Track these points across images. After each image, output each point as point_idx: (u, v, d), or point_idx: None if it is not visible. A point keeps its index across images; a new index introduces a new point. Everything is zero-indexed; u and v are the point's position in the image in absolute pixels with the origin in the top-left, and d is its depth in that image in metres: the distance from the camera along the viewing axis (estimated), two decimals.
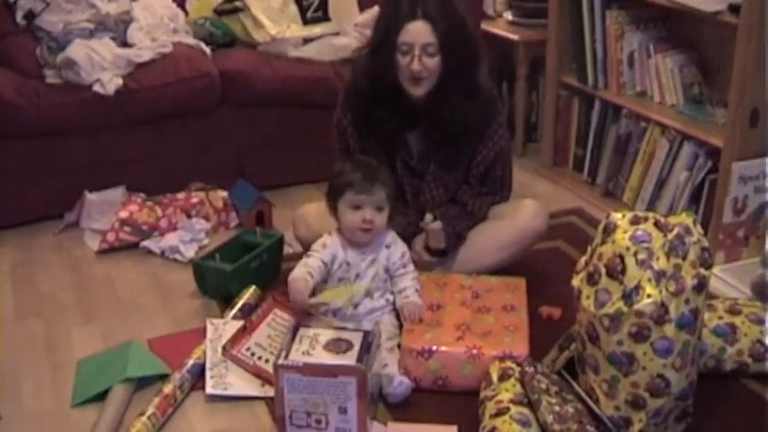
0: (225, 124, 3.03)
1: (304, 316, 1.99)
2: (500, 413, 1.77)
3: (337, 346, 1.88)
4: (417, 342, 2.01)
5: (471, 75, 2.21)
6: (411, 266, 2.18)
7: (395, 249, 2.15)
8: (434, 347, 1.99)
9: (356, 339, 1.90)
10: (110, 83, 2.80)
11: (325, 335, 1.91)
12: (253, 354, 2.09)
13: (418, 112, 2.25)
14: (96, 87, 2.80)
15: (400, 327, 2.09)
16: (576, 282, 1.87)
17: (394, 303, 2.15)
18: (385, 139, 2.27)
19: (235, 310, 2.29)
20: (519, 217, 2.35)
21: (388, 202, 2.07)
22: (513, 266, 2.36)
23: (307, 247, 2.18)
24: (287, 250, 2.62)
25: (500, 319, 2.10)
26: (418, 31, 2.11)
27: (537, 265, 2.46)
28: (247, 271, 2.41)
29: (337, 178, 2.09)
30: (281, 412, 1.82)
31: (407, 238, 2.26)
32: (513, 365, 1.91)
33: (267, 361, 2.07)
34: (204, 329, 2.19)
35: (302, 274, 2.03)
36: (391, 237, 2.16)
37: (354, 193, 2.05)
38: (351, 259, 2.10)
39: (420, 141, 2.32)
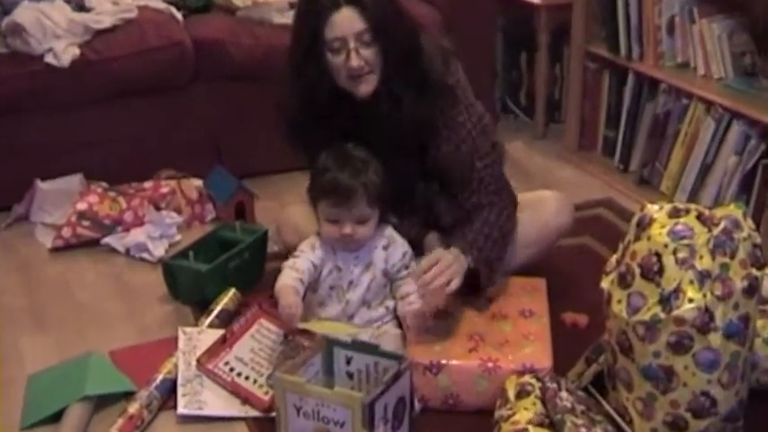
0: (199, 102, 3.03)
1: (293, 330, 2.00)
2: None
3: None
4: (424, 355, 2.00)
5: (416, 63, 2.11)
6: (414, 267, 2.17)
7: (394, 250, 2.15)
8: (444, 361, 1.99)
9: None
10: (64, 53, 2.80)
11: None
12: (232, 369, 2.09)
13: (368, 119, 2.15)
14: (48, 58, 2.80)
15: (404, 338, 2.10)
16: (605, 284, 1.87)
17: (395, 311, 2.15)
18: None
19: (211, 318, 2.29)
20: (540, 211, 2.35)
21: (375, 208, 2.06)
22: (532, 266, 2.36)
23: (293, 251, 2.18)
24: (271, 248, 2.62)
25: (518, 327, 2.10)
26: (347, 20, 2.01)
27: (560, 264, 2.46)
28: (226, 272, 2.42)
29: (316, 176, 2.09)
30: None
31: (412, 242, 2.23)
32: (533, 381, 1.90)
33: (248, 378, 2.07)
34: (175, 340, 2.19)
35: (292, 281, 2.02)
36: (388, 235, 2.15)
37: (330, 206, 2.04)
38: (342, 264, 2.10)
39: (383, 150, 2.19)
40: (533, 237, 2.33)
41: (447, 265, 2.01)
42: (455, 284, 2.02)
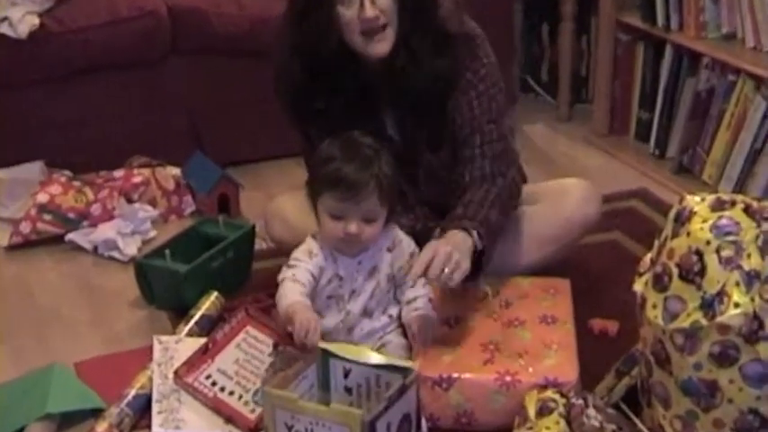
0: (176, 79, 3.04)
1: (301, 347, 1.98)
2: None
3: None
4: (433, 368, 2.00)
5: (434, 11, 2.17)
6: None
7: (399, 251, 2.15)
8: (455, 374, 1.99)
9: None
10: (21, 22, 2.80)
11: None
12: (214, 383, 2.09)
13: (381, 82, 2.21)
14: (4, 28, 2.80)
15: (410, 348, 2.11)
16: (638, 286, 1.87)
17: (399, 318, 2.16)
18: (350, 125, 2.20)
19: (191, 325, 2.29)
20: (563, 202, 2.35)
21: (384, 205, 2.06)
22: (554, 264, 2.36)
23: (287, 251, 2.18)
24: (259, 245, 2.62)
25: (539, 335, 2.10)
26: None
27: (586, 263, 2.46)
28: (207, 272, 2.42)
29: (319, 166, 2.08)
30: None
31: (418, 239, 2.24)
32: (557, 396, 1.91)
33: (232, 393, 2.07)
34: (150, 350, 2.19)
35: (300, 296, 2.01)
36: (394, 236, 2.15)
37: (335, 200, 2.04)
38: (343, 271, 2.10)
39: (396, 117, 2.30)
40: (555, 231, 2.34)
41: (446, 255, 2.00)
42: (464, 268, 2.03)
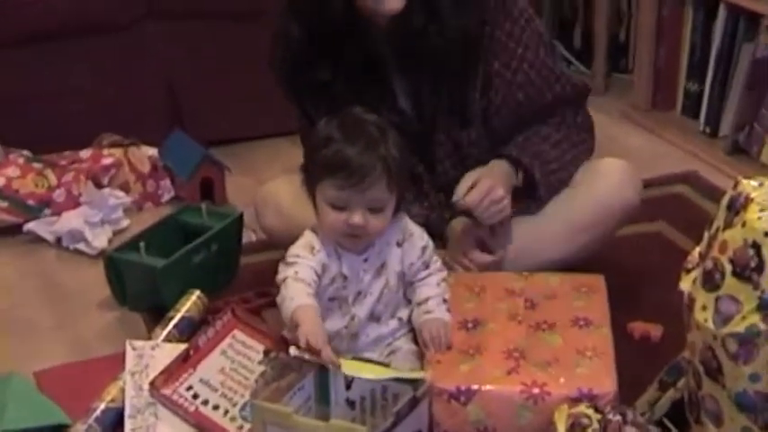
0: (152, 46, 3.06)
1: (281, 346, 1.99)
2: None
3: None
4: (448, 379, 2.00)
5: None
6: (436, 265, 2.18)
7: (410, 246, 2.15)
8: (475, 386, 1.98)
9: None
10: None
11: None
12: (196, 396, 2.09)
13: (391, 46, 2.23)
14: None
15: (422, 356, 2.10)
16: (685, 284, 1.86)
17: (410, 320, 2.16)
18: (356, 98, 2.21)
19: (169, 328, 2.30)
20: (598, 186, 2.36)
21: (393, 192, 2.05)
22: (588, 258, 2.36)
23: (280, 244, 2.18)
24: (248, 237, 2.63)
25: (570, 341, 2.09)
26: None
27: (625, 257, 2.46)
28: (188, 268, 2.43)
29: (317, 149, 2.06)
30: None
31: (432, 231, 2.27)
32: (591, 412, 1.90)
33: (217, 408, 2.07)
34: (122, 357, 2.19)
35: (308, 297, 1.99)
36: (404, 228, 2.15)
37: (336, 188, 2.02)
38: (348, 270, 2.09)
39: (409, 86, 2.31)
40: (588, 220, 2.35)
41: (488, 188, 2.16)
42: (507, 211, 2.19)
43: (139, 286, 2.44)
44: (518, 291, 2.24)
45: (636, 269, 2.46)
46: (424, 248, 2.15)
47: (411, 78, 2.27)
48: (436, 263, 2.17)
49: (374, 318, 2.13)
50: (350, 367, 1.93)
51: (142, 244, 2.46)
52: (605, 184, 2.36)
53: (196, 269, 2.44)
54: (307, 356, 1.88)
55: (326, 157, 2.01)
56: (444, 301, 2.14)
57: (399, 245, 2.13)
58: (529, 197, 2.32)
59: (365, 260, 2.09)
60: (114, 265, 2.47)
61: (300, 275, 2.01)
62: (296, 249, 2.06)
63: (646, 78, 3.28)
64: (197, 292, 2.37)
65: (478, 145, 2.34)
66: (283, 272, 2.02)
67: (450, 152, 2.36)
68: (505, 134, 2.34)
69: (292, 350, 1.88)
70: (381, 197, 2.03)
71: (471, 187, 2.21)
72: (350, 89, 2.21)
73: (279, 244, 2.20)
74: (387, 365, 1.96)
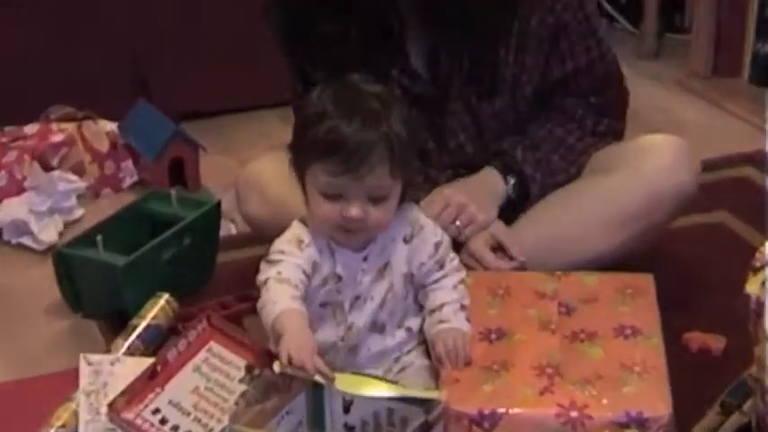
0: (111, 2, 3.06)
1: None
2: None
3: None
4: (469, 400, 1.99)
5: None
6: (452, 264, 2.17)
7: (421, 242, 2.13)
8: (501, 410, 1.97)
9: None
10: None
11: None
12: (164, 420, 2.09)
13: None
14: None
15: (436, 373, 2.09)
16: (752, 287, 1.86)
17: (421, 330, 2.16)
18: (364, 57, 2.25)
19: (132, 339, 2.31)
20: (647, 168, 2.37)
21: (398, 178, 2.04)
22: (634, 255, 2.37)
23: (266, 237, 2.18)
24: (227, 229, 2.65)
25: (614, 354, 2.09)
26: None
27: (679, 254, 2.48)
28: (155, 267, 2.44)
29: (307, 126, 2.05)
30: None
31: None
32: None
33: None
34: (75, 374, 2.19)
35: (293, 301, 1.98)
36: (413, 221, 2.14)
37: (329, 173, 2.01)
38: (343, 269, 2.08)
39: (426, 43, 2.34)
40: (634, 209, 2.36)
41: (458, 207, 2.27)
42: (480, 221, 2.31)
43: (96, 288, 2.44)
44: (550, 294, 2.24)
45: (692, 268, 2.47)
46: (438, 245, 2.14)
47: (429, 34, 2.29)
48: (452, 261, 2.17)
49: (376, 328, 2.12)
50: (346, 383, 1.92)
51: (99, 238, 2.46)
52: (655, 165, 2.36)
53: (164, 268, 2.45)
54: (290, 371, 1.86)
55: (317, 137, 2.00)
56: (463, 307, 2.13)
57: (407, 241, 2.12)
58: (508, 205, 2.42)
59: (364, 258, 2.08)
60: (66, 262, 2.47)
61: (285, 275, 1.99)
62: (280, 244, 2.05)
63: (705, 39, 3.28)
64: (165, 296, 2.38)
65: (501, 118, 2.38)
66: (265, 272, 2.01)
67: (466, 124, 2.39)
68: (526, 109, 2.39)
69: (276, 366, 1.87)
70: (384, 184, 2.01)
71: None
72: (357, 45, 2.23)
73: (264, 237, 2.20)
74: (393, 382, 1.94)
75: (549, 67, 2.39)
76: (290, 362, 1.85)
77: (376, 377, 2.01)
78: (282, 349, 1.87)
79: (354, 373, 2.00)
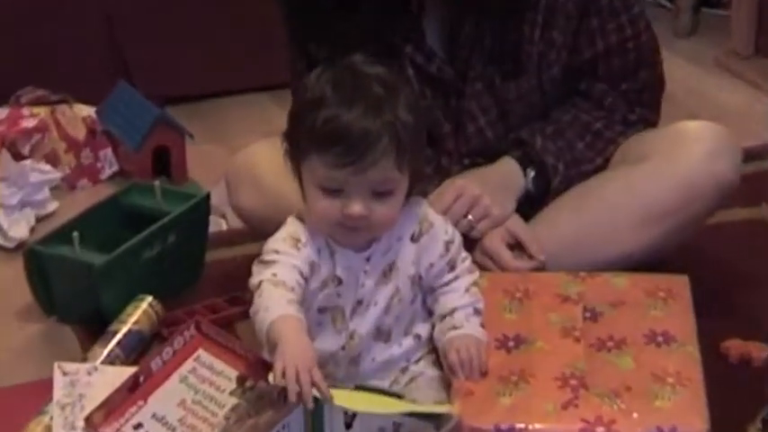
0: None
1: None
2: None
3: None
4: (485, 415, 1.99)
5: None
6: (464, 265, 2.18)
7: (430, 241, 2.13)
8: (520, 425, 1.97)
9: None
10: None
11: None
12: None
13: None
14: None
15: (447, 384, 2.09)
16: None
17: (431, 338, 2.16)
18: (374, 31, 2.27)
19: (111, 346, 2.31)
20: (681, 157, 2.37)
21: (405, 171, 2.04)
22: (666, 254, 2.38)
23: (260, 233, 2.18)
24: (217, 224, 2.66)
25: (645, 363, 2.09)
26: None
27: (717, 253, 2.49)
28: (137, 267, 2.44)
29: (303, 113, 2.05)
30: None
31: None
32: None
33: None
34: (48, 384, 2.19)
35: (290, 307, 1.97)
36: (421, 217, 2.14)
37: (328, 166, 2.01)
38: (344, 271, 2.08)
39: (444, 17, 2.34)
40: (668, 201, 2.36)
41: (472, 199, 2.29)
42: (495, 216, 2.34)
43: (71, 290, 2.44)
44: (574, 297, 2.23)
45: (732, 268, 2.47)
46: (449, 244, 2.14)
47: (448, 9, 2.31)
48: (464, 262, 2.17)
49: (381, 335, 2.12)
50: (347, 400, 1.91)
51: (75, 234, 2.47)
52: (691, 154, 2.36)
53: (147, 267, 2.45)
54: (283, 384, 1.85)
55: (315, 126, 1.99)
56: (476, 312, 2.13)
57: (414, 240, 2.12)
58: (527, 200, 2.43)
59: (367, 259, 2.08)
60: (38, 261, 2.47)
61: (280, 278, 1.99)
62: (275, 243, 2.05)
63: (746, 15, 3.28)
64: (148, 299, 2.38)
65: (527, 100, 2.39)
66: (258, 274, 2.01)
67: (487, 107, 2.39)
68: (553, 91, 2.41)
69: (271, 377, 1.87)
70: (389, 178, 2.01)
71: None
72: (369, 19, 2.24)
73: (258, 233, 2.19)
74: (399, 396, 1.94)
75: (577, 47, 2.40)
76: (286, 372, 1.84)
77: (381, 391, 2.01)
78: (277, 361, 1.86)
79: (358, 387, 2.00)
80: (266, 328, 1.92)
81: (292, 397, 1.84)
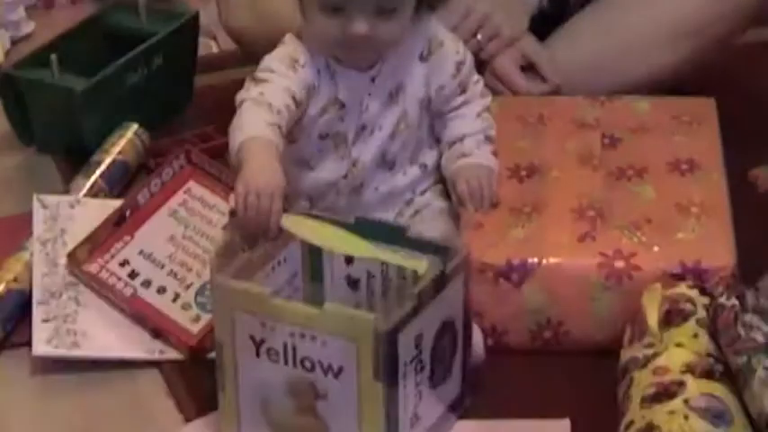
0: None
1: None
2: (664, 395, 1.78)
3: None
4: (496, 250, 2.02)
5: None
6: (476, 88, 2.18)
7: (440, 60, 2.13)
8: (533, 259, 2.01)
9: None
10: None
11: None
12: (134, 274, 2.13)
13: None
14: None
15: (456, 217, 2.12)
16: None
17: (439, 167, 2.18)
18: None
19: (95, 178, 2.34)
20: None
21: None
22: (689, 73, 2.39)
23: (255, 54, 2.17)
24: (206, 47, 2.70)
25: (667, 192, 2.11)
26: None
27: (746, 75, 2.51)
28: (121, 92, 2.45)
29: None
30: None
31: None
32: (695, 294, 1.92)
33: (163, 291, 2.11)
34: (27, 219, 2.22)
35: (266, 129, 1.95)
36: (430, 35, 2.14)
37: None
38: (347, 94, 2.07)
39: None
40: (694, 17, 2.39)
41: (481, 17, 2.25)
42: (505, 36, 2.34)
43: (51, 118, 2.46)
44: (592, 122, 2.25)
45: (763, 91, 2.48)
46: (459, 64, 2.14)
47: None
48: (476, 85, 2.17)
49: (386, 163, 2.13)
50: (304, 230, 1.90)
51: (54, 57, 2.47)
52: None
53: (132, 93, 2.46)
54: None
55: None
56: (488, 139, 2.14)
57: (423, 59, 2.12)
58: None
59: (372, 80, 2.08)
60: (14, 87, 2.48)
61: (267, 98, 1.97)
62: (271, 61, 2.04)
63: None
64: (134, 127, 2.40)
65: None
66: (246, 91, 2.00)
67: None
68: None
69: (232, 202, 1.87)
70: None
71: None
72: None
73: (251, 55, 2.19)
74: (404, 229, 1.97)
75: None
76: (244, 201, 1.82)
77: (384, 224, 2.01)
78: (238, 185, 1.83)
79: (359, 220, 1.97)
80: (236, 148, 1.89)
81: (250, 226, 1.84)
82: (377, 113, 2.09)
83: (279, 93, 1.99)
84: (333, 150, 2.10)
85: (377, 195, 2.13)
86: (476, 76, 2.17)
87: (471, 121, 2.14)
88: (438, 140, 2.17)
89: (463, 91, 2.15)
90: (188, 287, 2.11)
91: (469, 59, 2.16)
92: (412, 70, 2.11)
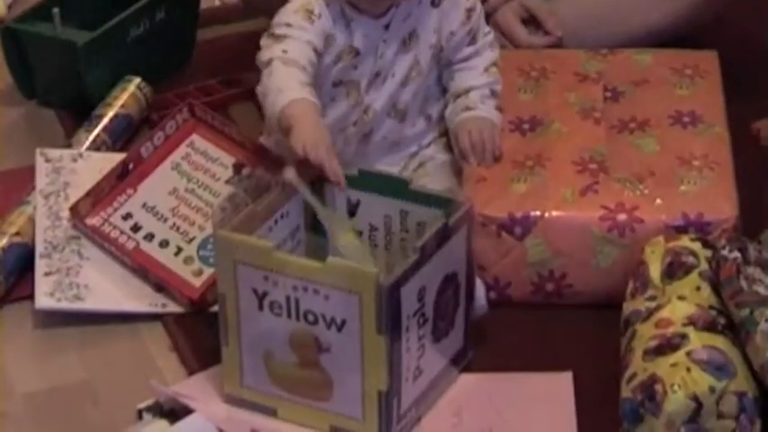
0: None
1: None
2: (666, 348, 1.78)
3: None
4: (497, 203, 2.02)
5: None
6: (486, 39, 2.19)
7: (452, 5, 2.14)
8: (535, 212, 2.01)
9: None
10: None
11: None
12: (137, 228, 2.13)
13: None
14: None
15: (459, 170, 2.13)
16: None
17: (443, 120, 2.18)
18: None
19: (97, 131, 2.33)
20: None
21: None
22: (692, 27, 2.40)
23: (260, 8, 2.21)
24: (208, 1, 2.67)
25: (670, 146, 2.11)
26: None
27: (749, 27, 2.51)
28: (123, 45, 2.45)
29: None
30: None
31: None
32: (697, 246, 1.92)
33: (166, 244, 2.11)
34: (30, 172, 2.22)
35: (303, 91, 1.96)
36: None
37: None
38: (362, 41, 2.08)
39: None
40: None
41: None
42: None
43: (53, 71, 2.45)
44: (594, 75, 2.25)
45: (764, 45, 2.47)
46: (470, 12, 2.15)
47: None
48: (486, 36, 2.18)
49: (396, 112, 2.14)
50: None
51: (56, 10, 2.46)
52: None
53: (134, 46, 2.46)
54: (291, 178, 1.87)
55: None
56: (493, 93, 2.15)
57: (435, 5, 2.13)
58: None
59: (386, 27, 2.09)
60: (16, 40, 2.48)
61: (291, 55, 1.99)
62: (286, 16, 2.05)
63: None
64: (136, 81, 2.39)
65: None
66: (267, 49, 2.01)
67: None
68: None
69: (288, 173, 1.88)
70: None
71: None
72: None
73: (255, 8, 2.18)
74: (407, 182, 1.96)
75: None
76: (306, 160, 1.86)
77: (388, 176, 2.02)
78: (296, 144, 1.87)
79: (362, 173, 1.97)
80: (279, 110, 1.92)
81: (329, 174, 1.88)
82: (391, 60, 2.10)
83: (302, 48, 2.00)
84: (345, 98, 2.11)
85: (384, 144, 2.14)
86: (486, 28, 2.18)
87: (478, 74, 2.15)
88: (445, 91, 2.18)
89: (473, 40, 2.16)
90: (191, 241, 2.11)
91: (479, 7, 2.16)
92: (424, 16, 2.12)
